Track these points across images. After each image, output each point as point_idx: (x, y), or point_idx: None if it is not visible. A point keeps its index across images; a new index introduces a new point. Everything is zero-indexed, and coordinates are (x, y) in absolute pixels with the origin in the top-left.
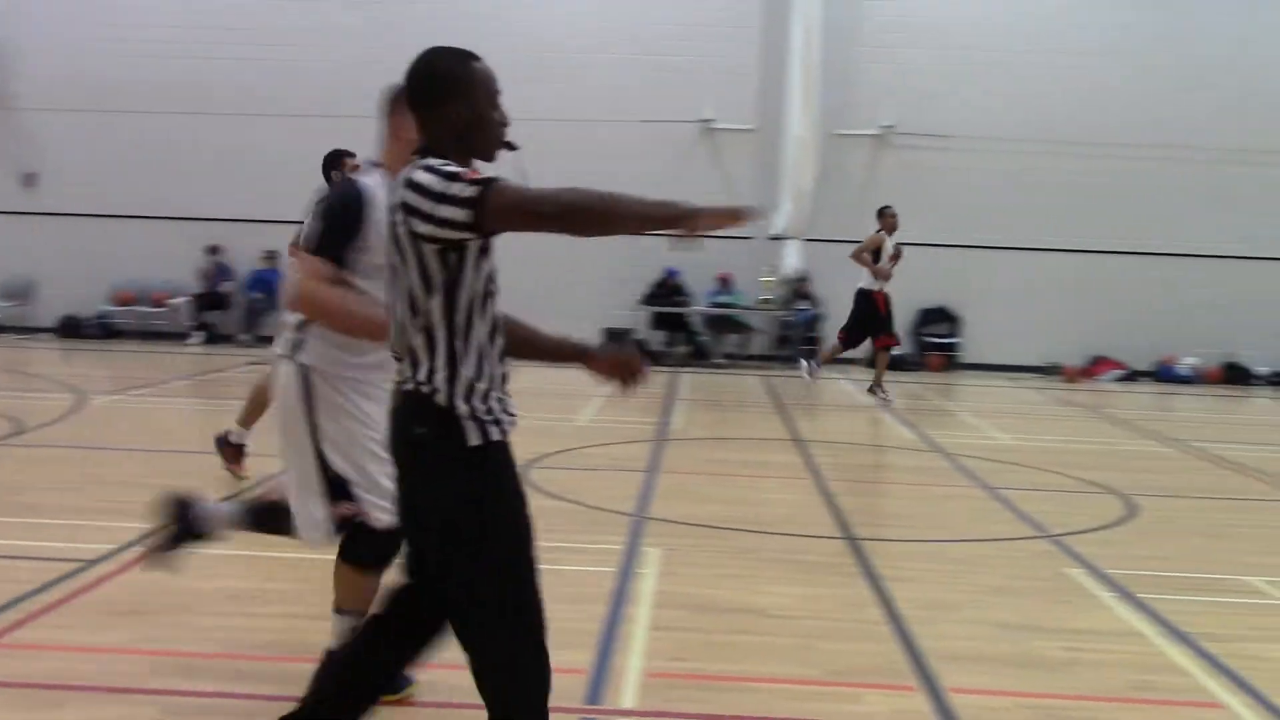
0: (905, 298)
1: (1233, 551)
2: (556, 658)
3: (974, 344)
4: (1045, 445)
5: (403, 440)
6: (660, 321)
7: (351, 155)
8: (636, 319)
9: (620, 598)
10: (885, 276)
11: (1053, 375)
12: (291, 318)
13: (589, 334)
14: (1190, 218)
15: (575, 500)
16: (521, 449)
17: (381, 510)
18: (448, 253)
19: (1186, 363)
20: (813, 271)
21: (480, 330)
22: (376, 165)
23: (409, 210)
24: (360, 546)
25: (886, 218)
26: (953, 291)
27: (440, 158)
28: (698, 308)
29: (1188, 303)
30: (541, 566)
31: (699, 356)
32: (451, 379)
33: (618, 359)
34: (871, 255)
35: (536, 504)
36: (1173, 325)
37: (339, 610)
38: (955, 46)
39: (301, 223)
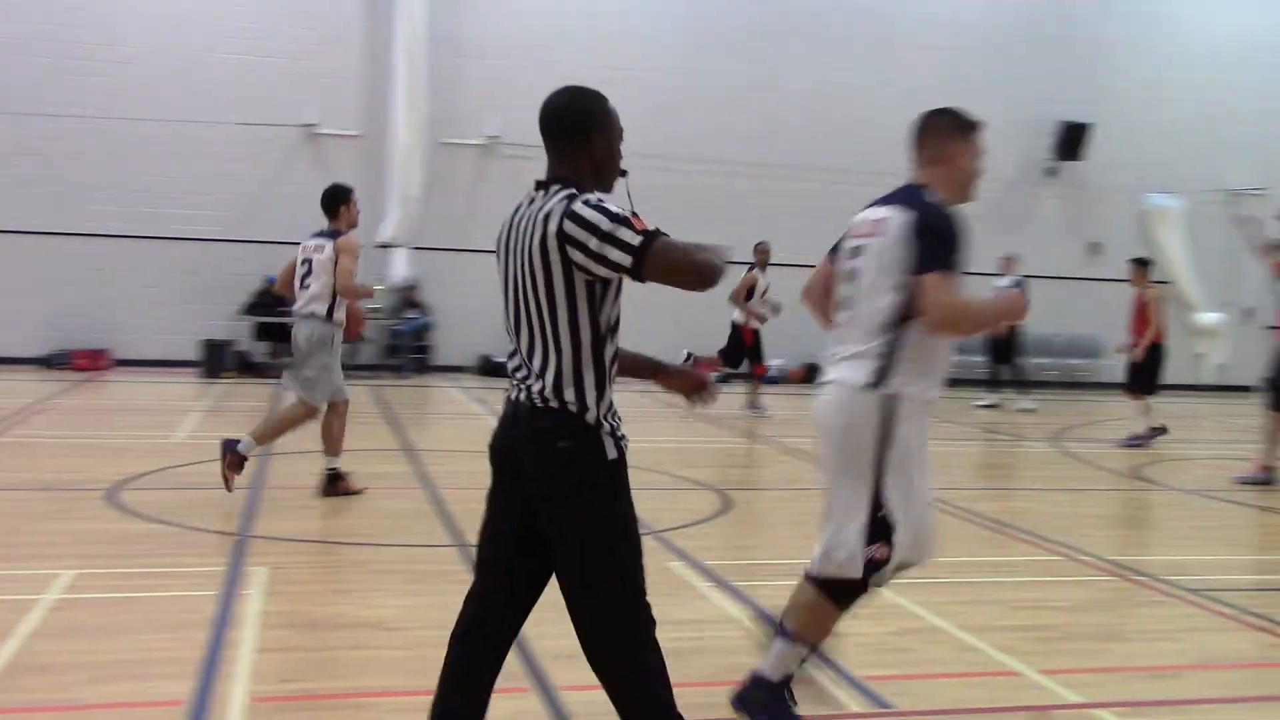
0: (495, 306)
1: (813, 537)
2: (153, 690)
3: None
4: (650, 446)
5: (545, 450)
6: (263, 332)
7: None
8: (236, 330)
9: (223, 622)
10: (759, 319)
11: None
12: (873, 344)
13: (185, 347)
14: (777, 228)
15: (172, 522)
16: (108, 470)
17: (911, 553)
18: (596, 283)
19: (774, 364)
20: (422, 279)
21: (611, 353)
22: (921, 186)
23: (570, 241)
24: (856, 591)
25: (759, 253)
26: None
27: (576, 187)
28: None
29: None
30: (137, 596)
31: None
32: (598, 399)
33: (690, 377)
34: (746, 293)
35: (127, 530)
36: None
37: (792, 636)
38: (557, 60)
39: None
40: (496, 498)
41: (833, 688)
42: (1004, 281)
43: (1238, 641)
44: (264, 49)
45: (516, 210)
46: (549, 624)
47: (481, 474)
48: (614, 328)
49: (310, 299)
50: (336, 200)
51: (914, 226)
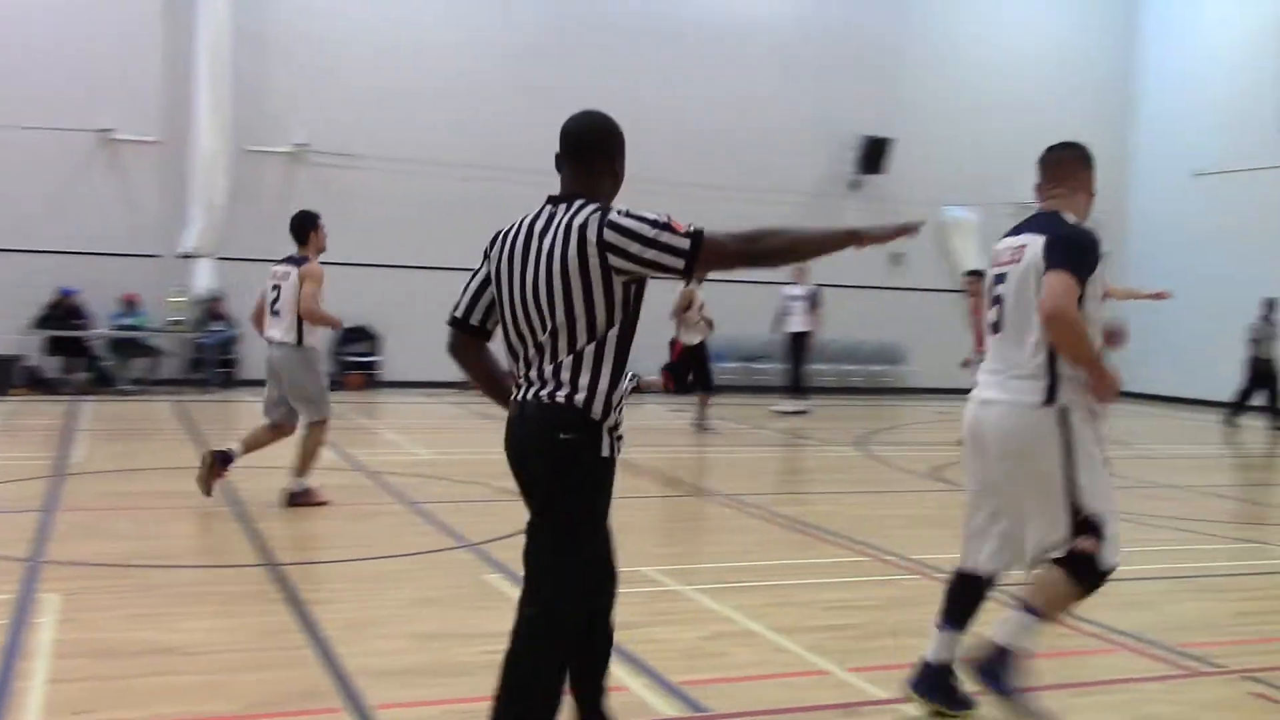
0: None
1: (630, 545)
2: None
3: (393, 362)
4: (464, 458)
5: (549, 442)
6: (56, 346)
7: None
8: (26, 344)
9: (12, 651)
10: (700, 331)
11: (470, 390)
12: (1034, 363)
13: None
14: None
15: None
16: None
17: (1115, 554)
18: (630, 285)
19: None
20: (227, 290)
21: (626, 354)
22: (1055, 213)
23: (612, 248)
24: (1093, 574)
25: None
26: (372, 310)
27: (596, 202)
28: (100, 331)
29: None
30: None
31: (102, 383)
32: (606, 398)
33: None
34: (683, 308)
35: None
36: None
37: (1036, 611)
38: (368, 67)
39: None
40: (525, 499)
41: (647, 693)
42: (795, 290)
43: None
44: (56, 49)
45: (524, 223)
46: (359, 642)
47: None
48: (633, 330)
49: (279, 327)
50: (305, 226)
51: (1052, 244)
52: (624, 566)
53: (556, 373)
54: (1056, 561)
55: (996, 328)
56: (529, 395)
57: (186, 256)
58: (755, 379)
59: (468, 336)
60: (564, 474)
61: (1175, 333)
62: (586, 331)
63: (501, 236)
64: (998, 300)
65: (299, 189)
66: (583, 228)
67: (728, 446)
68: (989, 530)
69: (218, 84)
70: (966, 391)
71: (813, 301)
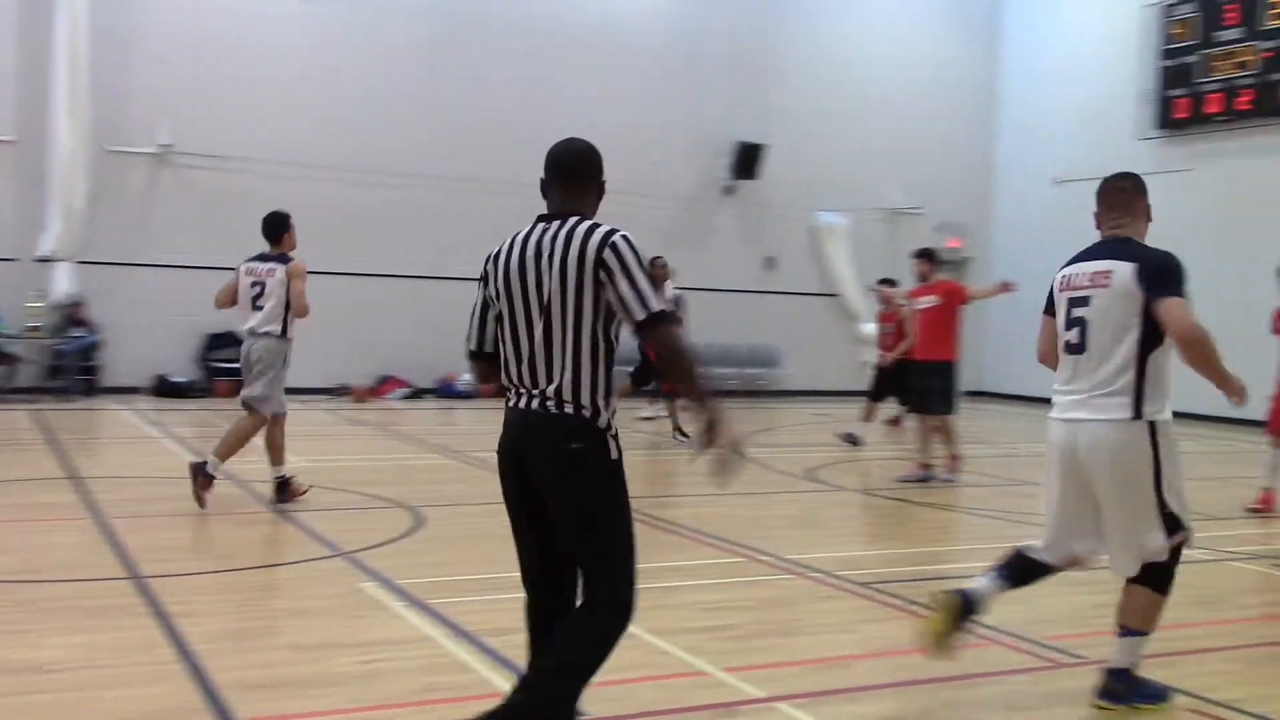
0: (192, 323)
1: (508, 551)
2: None
3: None
4: (338, 465)
5: (559, 450)
6: None
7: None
8: None
9: None
10: None
11: (342, 396)
12: (1122, 381)
13: None
14: (463, 242)
15: None
16: None
17: (1190, 545)
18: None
19: (464, 379)
20: (88, 295)
21: (613, 363)
22: (1126, 239)
23: (604, 267)
24: (1168, 576)
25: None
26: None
27: (587, 219)
28: None
29: (462, 324)
30: None
31: None
32: (606, 405)
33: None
34: None
35: None
36: (450, 345)
37: (1132, 631)
38: (233, 67)
39: None
40: (512, 509)
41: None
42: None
43: (901, 630)
44: None
45: (524, 236)
46: (230, 655)
47: (157, 500)
48: (618, 341)
49: (265, 319)
50: (279, 227)
51: (1144, 268)
52: (502, 572)
53: (560, 383)
54: (1135, 581)
55: (1079, 349)
56: (533, 405)
57: (44, 260)
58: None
59: (487, 364)
60: (579, 480)
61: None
62: (589, 342)
63: (495, 257)
64: (1078, 322)
65: (163, 191)
66: (585, 241)
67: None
68: (1071, 533)
69: (76, 82)
70: (842, 393)
71: (677, 304)
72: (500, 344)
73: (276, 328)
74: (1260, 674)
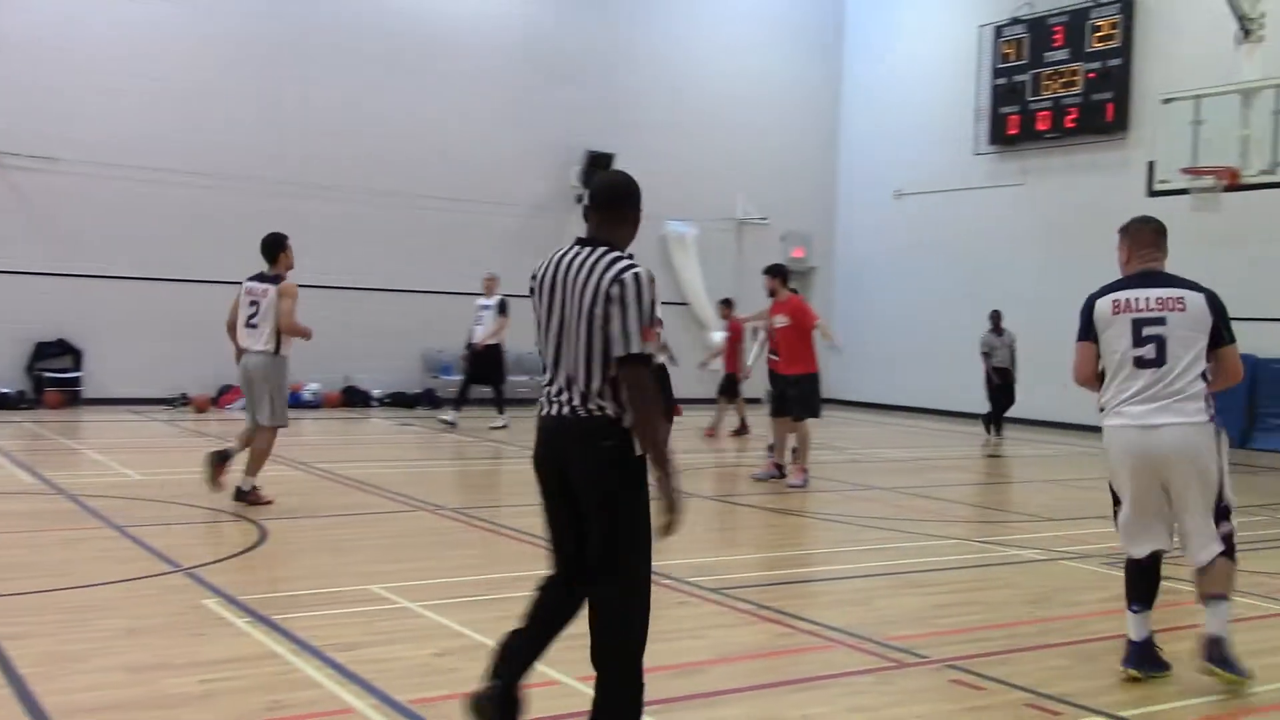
0: (17, 331)
1: (355, 564)
2: None
3: (96, 378)
4: (178, 478)
5: (593, 449)
6: None
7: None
8: None
9: None
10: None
11: (182, 406)
12: (1195, 390)
13: None
14: (305, 247)
15: None
16: None
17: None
18: None
19: (310, 388)
20: None
21: None
22: (1169, 273)
23: (609, 298)
24: (1233, 547)
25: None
26: (72, 323)
27: (618, 249)
28: None
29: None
30: None
31: None
32: (625, 411)
33: None
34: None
35: None
36: (296, 353)
37: (1223, 597)
38: (62, 69)
39: None
40: (552, 502)
41: (375, 714)
42: (486, 301)
43: (753, 634)
44: None
45: (559, 256)
46: (60, 678)
47: None
48: None
49: (258, 337)
50: (276, 247)
51: (1212, 304)
52: (350, 585)
53: (590, 391)
54: (1216, 559)
55: (1156, 363)
56: (565, 411)
57: None
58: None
59: None
60: (612, 476)
61: (878, 344)
62: (606, 357)
63: (538, 270)
64: (1153, 339)
65: None
66: (605, 271)
67: (454, 460)
68: (1152, 526)
69: None
70: (692, 401)
71: (501, 310)
72: (540, 353)
73: (270, 346)
74: (1092, 668)
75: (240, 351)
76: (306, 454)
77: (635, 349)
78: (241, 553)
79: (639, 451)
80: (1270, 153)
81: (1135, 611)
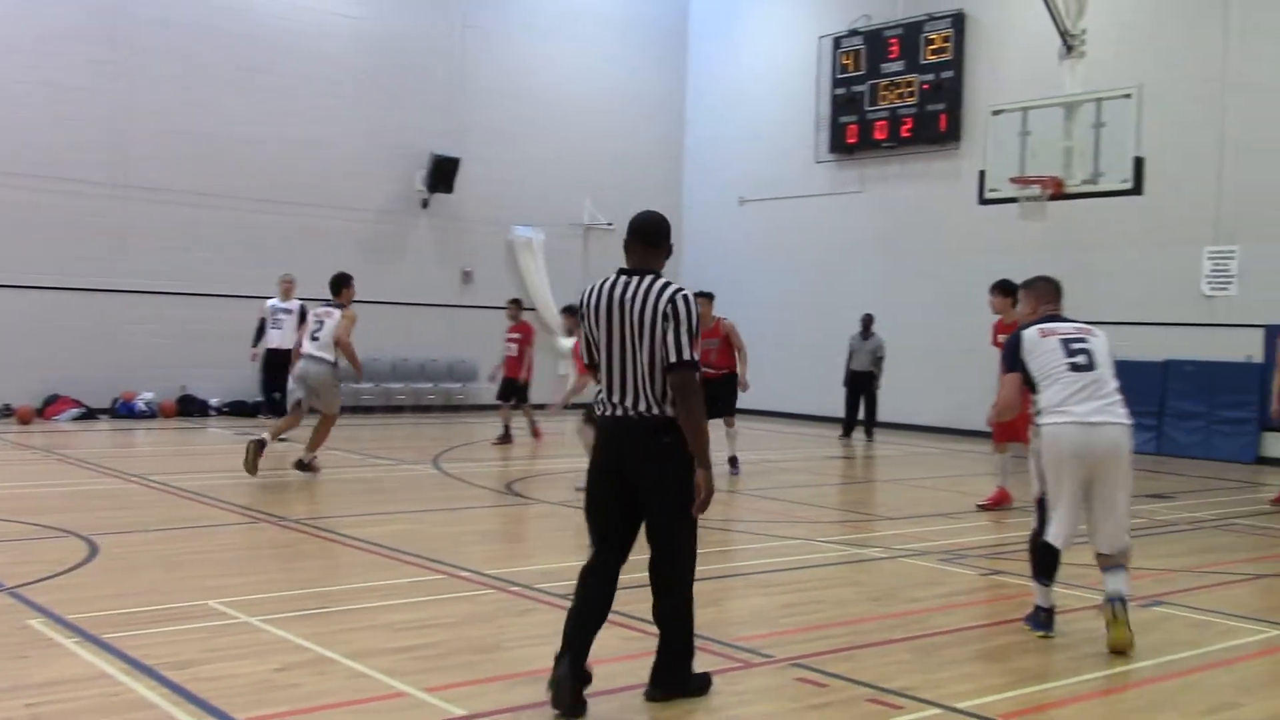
0: None
1: (191, 578)
2: None
3: None
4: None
5: (654, 444)
6: None
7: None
8: None
9: None
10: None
11: (5, 418)
12: (1119, 395)
13: None
14: (133, 252)
15: None
16: None
17: None
18: None
19: (143, 398)
20: None
21: None
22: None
23: (666, 316)
24: None
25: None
26: None
27: (662, 275)
28: None
29: (138, 339)
30: None
31: None
32: (676, 411)
33: None
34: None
35: None
36: (129, 361)
37: (1124, 567)
38: None
39: None
40: (606, 489)
41: None
42: (280, 304)
43: (604, 638)
44: None
45: (608, 286)
46: None
47: None
48: None
49: (320, 348)
50: (340, 284)
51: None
52: (186, 600)
53: (648, 396)
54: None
55: (1089, 368)
56: (628, 413)
57: None
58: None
59: (598, 372)
60: (670, 465)
61: None
62: (662, 366)
63: (587, 297)
64: (1084, 351)
65: None
66: (660, 294)
67: (297, 470)
68: (1078, 517)
69: None
70: (537, 407)
71: (301, 317)
72: (595, 365)
73: (330, 356)
74: (930, 662)
75: (299, 357)
76: (141, 465)
77: (686, 356)
78: (69, 570)
79: (686, 447)
80: (1092, 163)
81: (1045, 584)
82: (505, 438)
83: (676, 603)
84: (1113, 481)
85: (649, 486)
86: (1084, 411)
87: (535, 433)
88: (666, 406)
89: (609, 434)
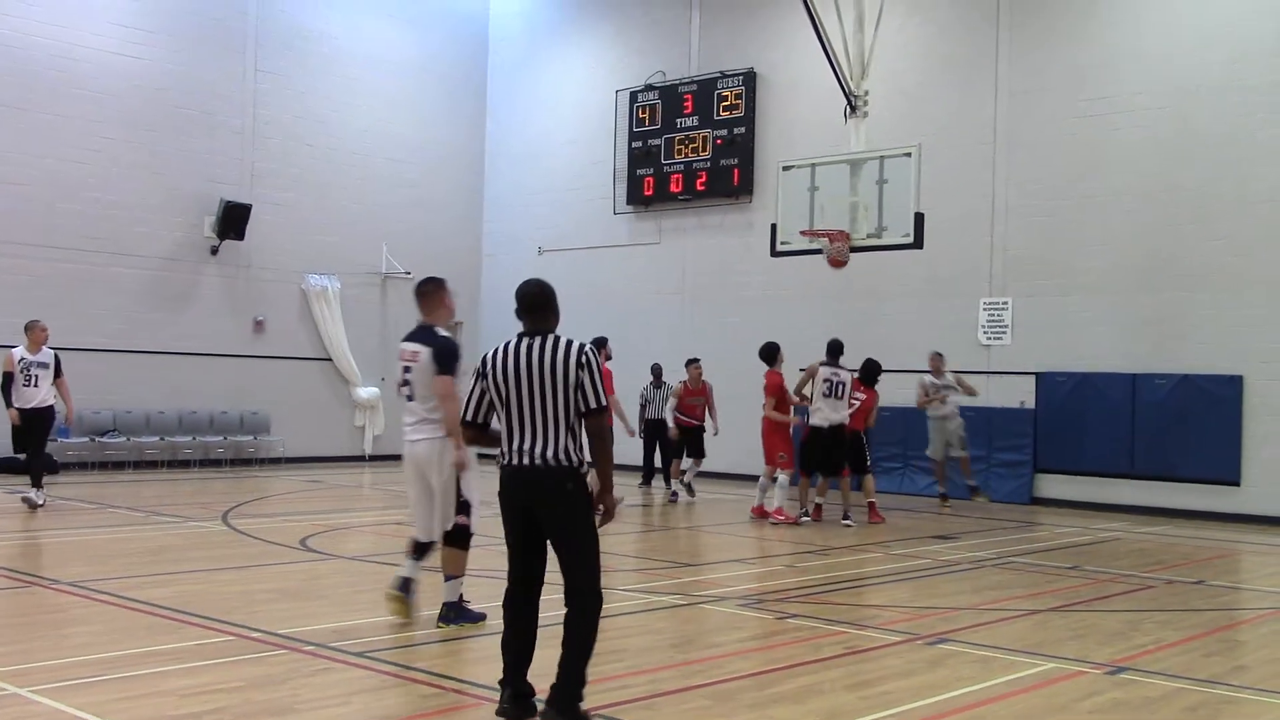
0: None
1: None
2: None
3: None
4: None
5: (561, 490)
6: None
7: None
8: None
9: None
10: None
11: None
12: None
13: None
14: None
15: None
16: None
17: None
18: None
19: None
20: None
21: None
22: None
23: (582, 367)
24: (464, 538)
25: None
26: None
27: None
28: None
29: None
30: None
31: None
32: (581, 458)
33: None
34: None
35: None
36: None
37: (453, 577)
38: None
39: None
40: (515, 529)
41: None
42: (38, 357)
43: (401, 696)
44: None
45: (513, 346)
46: None
47: None
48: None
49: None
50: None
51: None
52: None
53: (555, 444)
54: (446, 543)
55: (411, 396)
56: (533, 461)
57: None
58: (106, 454)
59: (474, 431)
60: (574, 508)
61: None
62: (569, 417)
63: (492, 359)
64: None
65: None
66: (568, 350)
67: (73, 529)
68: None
69: None
70: (336, 459)
71: (57, 370)
72: (499, 420)
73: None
74: (728, 707)
75: None
76: None
77: (601, 403)
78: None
79: (587, 492)
80: (876, 218)
81: (413, 558)
82: None
83: (583, 605)
84: (435, 487)
85: (556, 525)
86: (410, 428)
87: None
88: (574, 453)
89: (515, 480)
